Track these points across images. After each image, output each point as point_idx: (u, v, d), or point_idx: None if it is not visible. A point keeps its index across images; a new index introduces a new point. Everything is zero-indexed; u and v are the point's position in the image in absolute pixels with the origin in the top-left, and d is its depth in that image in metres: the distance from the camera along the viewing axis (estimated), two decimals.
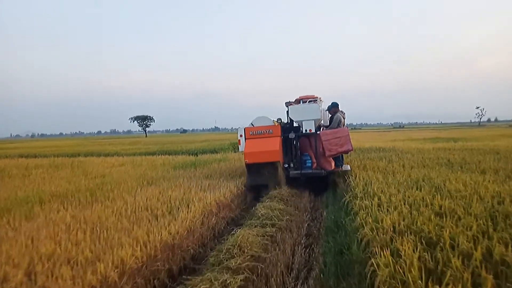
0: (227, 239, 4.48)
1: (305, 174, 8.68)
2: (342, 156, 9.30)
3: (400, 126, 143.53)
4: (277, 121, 9.07)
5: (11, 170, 10.70)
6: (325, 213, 6.36)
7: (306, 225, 5.76)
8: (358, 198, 5.38)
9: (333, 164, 8.96)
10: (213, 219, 5.66)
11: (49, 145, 33.93)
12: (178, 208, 5.43)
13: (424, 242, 3.28)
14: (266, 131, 8.59)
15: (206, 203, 5.76)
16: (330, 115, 9.50)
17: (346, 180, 7.85)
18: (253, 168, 8.26)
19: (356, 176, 7.60)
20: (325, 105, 9.82)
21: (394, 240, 3.37)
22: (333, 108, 9.37)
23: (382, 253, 3.06)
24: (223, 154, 15.23)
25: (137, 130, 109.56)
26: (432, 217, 3.89)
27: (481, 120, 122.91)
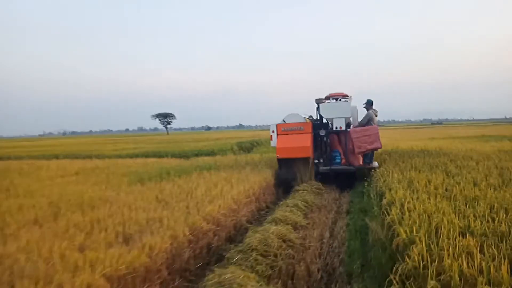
0: None
1: (334, 169, 8.88)
2: (372, 153, 9.18)
3: (438, 123, 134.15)
4: (308, 118, 9.37)
5: None
6: None
7: None
8: None
9: (361, 160, 9.14)
10: None
11: (53, 144, 31.90)
12: None
13: None
14: (298, 128, 8.86)
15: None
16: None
17: (384, 210, 4.57)
18: (284, 163, 8.72)
19: (403, 205, 4.31)
20: (354, 102, 10.00)
21: None
22: (367, 104, 9.32)
23: None
24: (219, 158, 12.09)
25: (162, 128, 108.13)
26: None
27: None
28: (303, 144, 8.42)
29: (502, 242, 3.04)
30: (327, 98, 9.76)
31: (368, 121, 9.06)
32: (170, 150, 15.97)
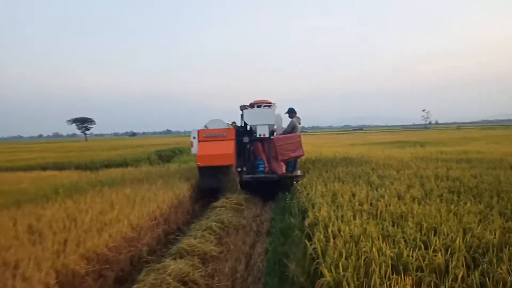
0: None
1: (257, 178, 8.58)
2: (295, 161, 8.93)
3: (359, 129, 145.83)
4: (231, 124, 8.94)
5: None
6: None
7: None
8: None
9: (284, 168, 8.91)
10: None
11: None
12: None
13: None
14: (220, 134, 8.45)
15: None
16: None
17: (306, 235, 3.95)
18: (205, 171, 8.11)
19: (327, 227, 3.74)
20: (278, 110, 9.78)
21: None
22: (290, 113, 9.17)
23: None
24: (130, 170, 10.71)
25: (81, 134, 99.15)
26: None
27: (427, 123, 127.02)
28: (226, 151, 8.03)
29: (441, 280, 2.52)
30: (251, 105, 9.66)
31: (292, 129, 8.97)
32: (76, 160, 14.03)
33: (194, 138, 8.47)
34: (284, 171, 8.82)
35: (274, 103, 9.68)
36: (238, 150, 8.68)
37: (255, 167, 8.84)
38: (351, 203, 4.91)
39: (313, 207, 4.85)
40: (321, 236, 3.54)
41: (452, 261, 2.79)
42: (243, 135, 8.78)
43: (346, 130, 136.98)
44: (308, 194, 5.91)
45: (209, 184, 8.09)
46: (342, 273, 2.66)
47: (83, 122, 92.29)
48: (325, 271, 2.70)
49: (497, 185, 5.72)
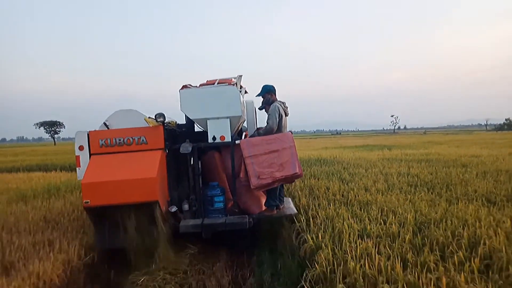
0: None
1: (211, 226, 4.25)
2: (281, 186, 4.91)
3: (337, 133, 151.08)
4: (156, 120, 4.31)
5: None
6: None
7: None
8: None
9: (263, 202, 4.80)
10: None
11: None
12: None
13: None
14: (134, 139, 4.33)
15: None
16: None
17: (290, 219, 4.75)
18: (102, 217, 4.12)
19: (307, 212, 4.55)
20: (249, 97, 5.75)
21: None
22: (268, 93, 4.93)
23: None
24: None
25: (48, 138, 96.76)
26: None
27: (395, 128, 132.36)
28: (144, 174, 4.01)
29: (393, 242, 3.36)
30: (203, 86, 4.86)
31: (278, 122, 4.69)
32: (59, 163, 14.33)
33: (81, 149, 4.39)
34: (263, 208, 4.75)
35: (240, 76, 5.12)
36: (174, 171, 4.73)
37: (207, 203, 4.58)
38: (325, 195, 5.77)
39: (294, 198, 5.69)
40: (303, 218, 4.35)
41: (403, 230, 3.65)
42: (180, 139, 4.65)
43: (319, 134, 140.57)
44: (288, 188, 6.74)
45: (109, 243, 4.21)
46: (321, 240, 3.46)
47: (52, 126, 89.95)
48: (308, 237, 3.50)
49: (448, 179, 6.73)
